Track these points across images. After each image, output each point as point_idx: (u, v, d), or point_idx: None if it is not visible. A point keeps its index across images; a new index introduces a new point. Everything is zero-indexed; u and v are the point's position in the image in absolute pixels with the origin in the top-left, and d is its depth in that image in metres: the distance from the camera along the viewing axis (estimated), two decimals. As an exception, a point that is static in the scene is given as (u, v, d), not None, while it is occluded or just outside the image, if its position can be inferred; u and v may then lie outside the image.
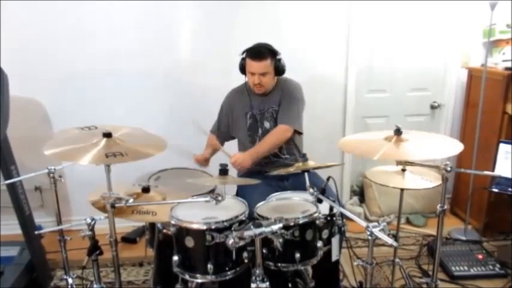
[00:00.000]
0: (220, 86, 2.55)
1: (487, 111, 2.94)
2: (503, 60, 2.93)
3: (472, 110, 3.19)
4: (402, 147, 1.64)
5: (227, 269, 1.68)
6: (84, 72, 2.94)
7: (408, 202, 3.21)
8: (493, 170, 2.64)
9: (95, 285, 1.83)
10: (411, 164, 1.95)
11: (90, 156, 1.53)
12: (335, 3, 3.06)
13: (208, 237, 1.62)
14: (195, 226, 1.66)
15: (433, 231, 2.90)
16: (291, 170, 1.90)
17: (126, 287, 2.54)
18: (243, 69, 2.33)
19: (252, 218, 1.77)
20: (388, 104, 3.45)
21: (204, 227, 1.64)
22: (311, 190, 1.72)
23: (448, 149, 1.66)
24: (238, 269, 1.70)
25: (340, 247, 2.02)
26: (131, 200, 1.61)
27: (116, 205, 1.58)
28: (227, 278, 1.68)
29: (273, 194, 2.09)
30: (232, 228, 1.63)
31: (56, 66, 2.90)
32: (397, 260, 2.24)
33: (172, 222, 1.70)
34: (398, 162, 2.09)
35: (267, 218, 1.74)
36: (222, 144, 2.49)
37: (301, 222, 1.72)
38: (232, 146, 2.55)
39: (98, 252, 1.72)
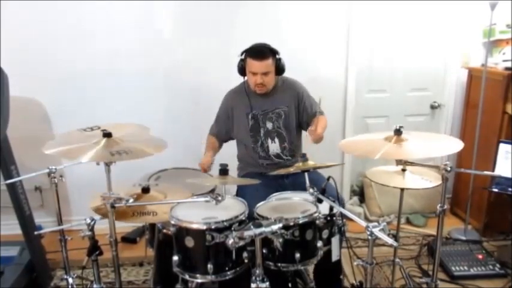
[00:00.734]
0: (220, 86, 2.55)
1: (487, 111, 2.94)
2: (503, 60, 2.93)
3: (472, 110, 3.19)
4: (402, 147, 1.64)
5: (227, 269, 1.68)
6: (84, 72, 2.94)
7: (408, 202, 3.21)
8: (493, 170, 2.64)
9: (95, 285, 1.83)
10: (411, 164, 1.95)
11: (91, 154, 1.54)
12: (335, 3, 3.06)
13: (208, 237, 1.62)
14: (195, 226, 1.66)
15: (433, 231, 2.90)
16: (291, 170, 1.90)
17: (126, 287, 2.54)
18: (242, 70, 2.32)
19: (252, 218, 1.77)
20: (388, 104, 3.45)
21: (204, 227, 1.64)
22: (311, 190, 1.72)
23: (448, 147, 1.66)
24: (238, 269, 1.70)
25: (340, 247, 2.02)
26: (131, 200, 1.61)
27: (116, 205, 1.58)
28: (227, 278, 1.68)
29: (273, 194, 2.09)
30: (232, 228, 1.63)
31: (56, 66, 2.90)
32: (397, 260, 2.24)
33: (172, 222, 1.70)
34: (398, 162, 2.09)
35: (267, 218, 1.74)
36: (220, 145, 2.50)
37: (301, 222, 1.72)
38: (232, 145, 2.55)
39: (97, 252, 1.72)
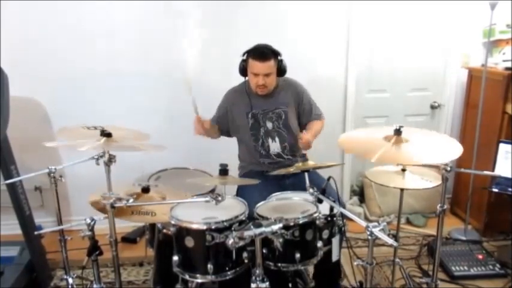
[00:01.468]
0: (220, 86, 2.55)
1: (487, 111, 2.94)
2: (503, 60, 2.93)
3: (472, 110, 3.19)
4: (402, 149, 1.62)
5: (227, 269, 1.68)
6: (84, 73, 2.94)
7: (408, 202, 3.21)
8: (493, 170, 2.64)
9: (95, 285, 1.83)
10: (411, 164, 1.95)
11: (89, 145, 1.57)
12: (335, 3, 3.06)
13: (208, 237, 1.62)
14: (195, 226, 1.66)
15: (433, 231, 2.90)
16: (291, 170, 1.90)
17: (126, 287, 2.54)
18: (243, 70, 2.32)
19: (252, 218, 1.77)
20: (388, 104, 3.45)
21: (204, 227, 1.64)
22: (311, 190, 1.72)
23: (448, 153, 1.63)
24: (238, 269, 1.70)
25: (340, 247, 2.02)
26: (131, 200, 1.61)
27: (116, 205, 1.58)
28: (227, 278, 1.68)
29: (273, 194, 2.09)
30: (232, 228, 1.63)
31: (56, 66, 2.90)
32: (397, 260, 2.24)
33: (172, 222, 1.70)
34: (399, 162, 2.09)
35: (267, 218, 1.74)
36: (219, 133, 2.48)
37: (301, 222, 1.72)
38: (232, 145, 2.55)
39: (97, 252, 1.72)
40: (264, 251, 1.69)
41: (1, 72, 2.22)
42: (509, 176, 2.53)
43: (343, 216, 1.92)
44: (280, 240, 1.52)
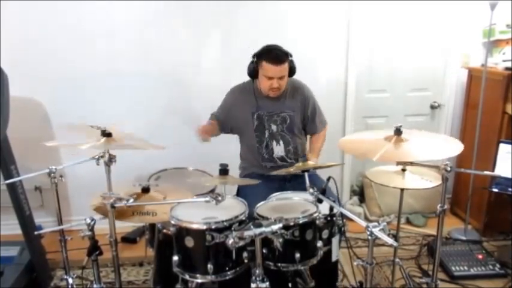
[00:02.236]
0: (220, 86, 2.54)
1: (487, 111, 2.94)
2: (503, 60, 2.93)
3: (472, 110, 3.19)
4: (402, 148, 1.63)
5: (227, 269, 1.68)
6: (84, 72, 2.94)
7: (408, 202, 3.21)
8: (493, 170, 2.64)
9: (95, 285, 1.83)
10: (411, 164, 1.95)
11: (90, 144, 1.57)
12: (335, 3, 3.06)
13: (208, 237, 1.62)
14: (195, 226, 1.66)
15: (433, 231, 2.89)
16: (291, 170, 1.90)
17: (126, 287, 2.54)
18: (254, 72, 2.26)
19: (252, 218, 1.77)
20: (388, 104, 3.45)
21: (204, 227, 1.64)
22: (311, 190, 1.72)
23: (448, 150, 1.65)
24: (238, 269, 1.70)
25: (339, 247, 2.02)
26: (131, 200, 1.61)
27: (116, 205, 1.58)
28: (227, 278, 1.68)
29: (273, 194, 2.09)
30: (232, 228, 1.63)
31: (56, 66, 2.90)
32: (397, 260, 2.24)
33: (172, 222, 1.70)
34: (399, 162, 2.09)
35: (267, 218, 1.74)
36: (217, 134, 2.46)
37: (301, 222, 1.72)
38: (232, 145, 2.55)
39: (97, 252, 1.72)
40: (264, 251, 1.69)
41: (1, 72, 2.22)
42: (509, 176, 2.53)
43: (342, 215, 1.92)
44: (280, 240, 1.52)
